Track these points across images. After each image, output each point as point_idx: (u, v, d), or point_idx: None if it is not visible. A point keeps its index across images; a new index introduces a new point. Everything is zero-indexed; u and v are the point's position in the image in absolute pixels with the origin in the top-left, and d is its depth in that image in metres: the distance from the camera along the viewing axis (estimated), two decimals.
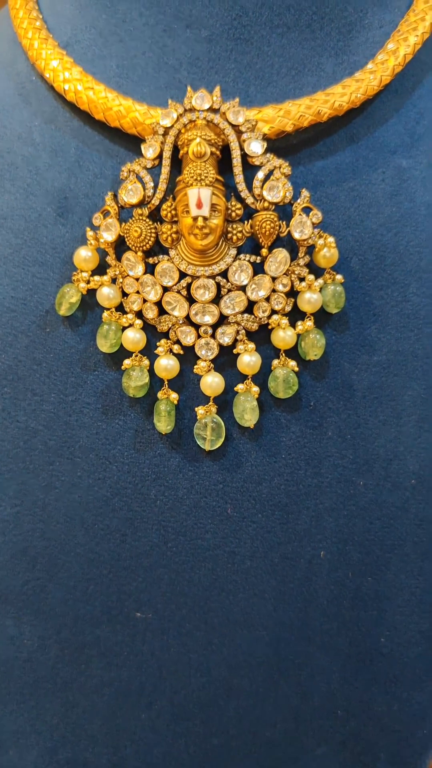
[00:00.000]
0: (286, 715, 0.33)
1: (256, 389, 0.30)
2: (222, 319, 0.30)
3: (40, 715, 0.34)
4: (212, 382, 0.30)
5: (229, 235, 0.29)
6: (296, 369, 0.30)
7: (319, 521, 0.31)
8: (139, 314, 0.30)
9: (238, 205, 0.29)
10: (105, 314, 0.30)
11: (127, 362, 0.31)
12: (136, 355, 0.31)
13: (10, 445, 0.31)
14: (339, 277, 0.30)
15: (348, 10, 0.31)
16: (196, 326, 0.30)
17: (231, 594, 0.31)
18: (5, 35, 0.34)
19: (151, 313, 0.30)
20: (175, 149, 0.29)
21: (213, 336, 0.30)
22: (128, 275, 0.30)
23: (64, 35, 0.32)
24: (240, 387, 0.30)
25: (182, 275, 0.30)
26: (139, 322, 0.30)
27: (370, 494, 0.30)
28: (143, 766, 0.34)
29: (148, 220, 0.29)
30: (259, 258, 0.30)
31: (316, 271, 0.30)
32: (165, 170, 0.29)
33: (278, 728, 0.33)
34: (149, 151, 0.29)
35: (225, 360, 0.31)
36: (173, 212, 0.29)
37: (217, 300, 0.30)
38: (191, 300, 0.30)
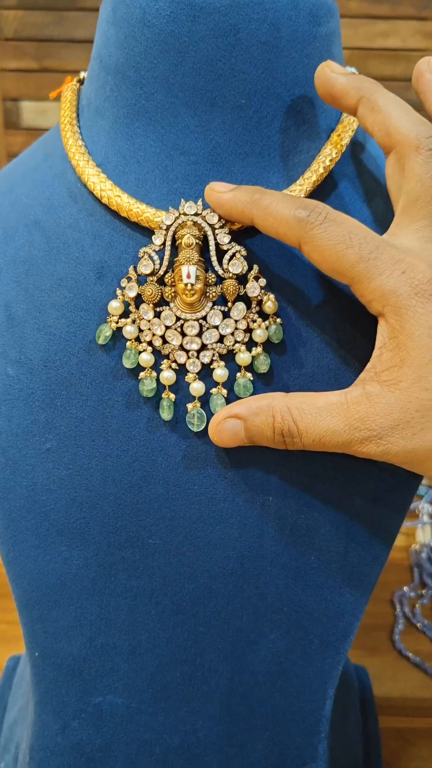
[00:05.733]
0: (249, 610, 0.41)
1: (225, 392, 0.37)
2: (203, 347, 0.37)
3: (82, 614, 0.42)
4: (197, 387, 0.37)
5: (208, 293, 0.37)
6: (251, 379, 0.37)
7: (267, 476, 0.39)
8: (150, 343, 0.38)
9: (213, 276, 0.37)
10: (128, 343, 0.38)
11: (142, 374, 0.38)
12: (148, 370, 0.38)
13: (65, 429, 0.39)
14: (279, 320, 0.37)
15: (287, 142, 0.39)
16: (187, 351, 0.37)
17: (210, 525, 0.39)
18: (58, 153, 0.43)
19: (157, 343, 0.38)
20: (173, 239, 0.37)
21: (197, 357, 0.38)
22: (143, 319, 0.37)
23: (98, 157, 0.41)
24: (214, 390, 0.38)
25: (178, 319, 0.37)
26: (149, 348, 0.38)
27: (300, 457, 0.39)
28: (153, 647, 0.42)
29: (156, 284, 0.37)
30: (226, 308, 0.37)
31: (264, 316, 0.37)
32: (167, 253, 0.37)
33: (244, 620, 0.41)
34: (157, 239, 0.37)
35: (205, 373, 0.38)
36: (172, 280, 0.37)
37: (200, 334, 0.37)
38: (183, 334, 0.37)
